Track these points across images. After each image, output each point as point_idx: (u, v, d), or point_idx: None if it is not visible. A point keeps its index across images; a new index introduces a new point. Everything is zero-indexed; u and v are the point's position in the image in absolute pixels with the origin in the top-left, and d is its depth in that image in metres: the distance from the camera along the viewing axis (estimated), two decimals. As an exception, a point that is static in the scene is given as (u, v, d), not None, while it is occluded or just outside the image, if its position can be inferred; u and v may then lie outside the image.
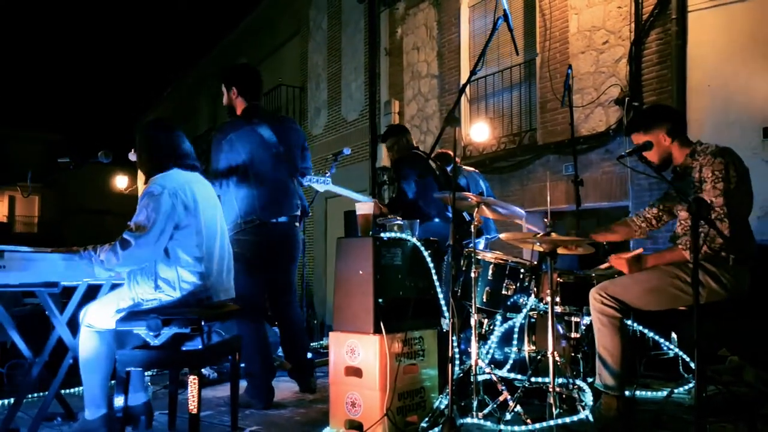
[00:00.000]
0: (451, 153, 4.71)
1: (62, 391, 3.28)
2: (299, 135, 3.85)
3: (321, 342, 5.92)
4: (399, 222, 3.09)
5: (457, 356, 2.94)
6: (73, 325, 2.87)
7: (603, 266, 3.41)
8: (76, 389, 3.78)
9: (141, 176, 3.01)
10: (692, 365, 3.44)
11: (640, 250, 2.92)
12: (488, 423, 2.78)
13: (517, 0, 7.65)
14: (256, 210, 3.48)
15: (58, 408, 3.19)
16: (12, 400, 2.96)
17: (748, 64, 5.28)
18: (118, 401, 2.47)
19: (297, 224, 3.74)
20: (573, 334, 3.34)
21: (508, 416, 2.80)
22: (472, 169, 5.69)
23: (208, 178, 3.42)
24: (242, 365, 4.21)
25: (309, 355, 4.04)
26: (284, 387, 3.71)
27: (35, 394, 3.63)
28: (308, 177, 3.83)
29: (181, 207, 2.63)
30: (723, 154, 2.72)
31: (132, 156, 3.06)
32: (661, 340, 3.53)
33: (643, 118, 3.01)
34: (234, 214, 3.51)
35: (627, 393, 2.84)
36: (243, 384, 3.41)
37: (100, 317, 2.69)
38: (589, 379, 3.11)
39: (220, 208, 2.97)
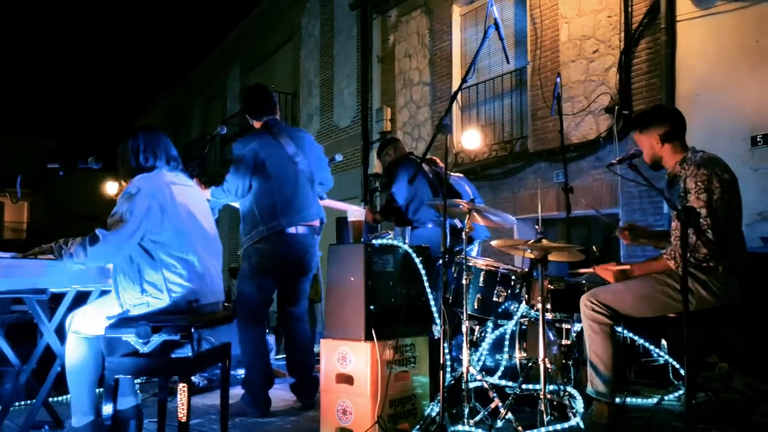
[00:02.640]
0: (437, 160, 4.73)
1: (50, 399, 3.25)
2: (315, 146, 3.95)
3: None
4: (391, 236, 3.10)
5: (448, 363, 2.94)
6: (62, 332, 2.84)
7: (582, 270, 3.41)
8: (64, 397, 3.75)
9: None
10: (682, 372, 3.45)
11: (627, 266, 2.92)
12: (479, 430, 2.77)
13: (508, 9, 7.71)
14: (276, 218, 3.52)
15: (46, 416, 3.15)
16: (-1, 408, 2.92)
17: (736, 72, 5.34)
18: (107, 409, 2.45)
19: (317, 236, 3.74)
20: (564, 341, 3.34)
21: (499, 423, 2.80)
22: (459, 174, 5.69)
23: (225, 188, 3.56)
24: (240, 374, 4.16)
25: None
26: (274, 395, 3.68)
27: (22, 402, 3.60)
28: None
29: (158, 208, 2.61)
30: (707, 165, 2.73)
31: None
32: (651, 347, 3.54)
33: (642, 117, 3.03)
34: (255, 223, 3.55)
35: (617, 400, 2.85)
36: (234, 392, 3.38)
37: (87, 323, 2.66)
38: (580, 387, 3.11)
39: (208, 210, 2.95)
